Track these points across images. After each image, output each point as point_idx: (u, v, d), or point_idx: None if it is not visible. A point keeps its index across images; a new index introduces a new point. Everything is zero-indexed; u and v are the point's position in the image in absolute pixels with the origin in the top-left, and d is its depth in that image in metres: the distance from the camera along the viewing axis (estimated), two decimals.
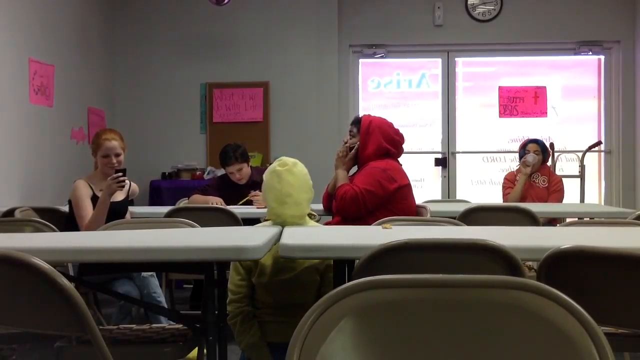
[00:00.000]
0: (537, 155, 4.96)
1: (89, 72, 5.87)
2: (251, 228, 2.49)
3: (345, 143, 3.70)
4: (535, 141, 5.07)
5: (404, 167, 3.65)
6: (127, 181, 3.57)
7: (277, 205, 2.38)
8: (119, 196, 3.65)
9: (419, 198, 3.82)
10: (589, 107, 6.72)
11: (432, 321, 1.03)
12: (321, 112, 6.38)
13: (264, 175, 2.46)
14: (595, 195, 6.60)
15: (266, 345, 2.34)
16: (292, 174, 2.38)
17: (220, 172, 6.10)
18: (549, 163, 5.32)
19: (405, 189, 3.52)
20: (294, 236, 2.01)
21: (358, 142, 3.60)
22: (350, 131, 3.71)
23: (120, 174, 3.41)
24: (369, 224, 2.79)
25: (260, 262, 2.32)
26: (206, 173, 6.22)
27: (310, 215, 2.57)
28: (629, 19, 6.51)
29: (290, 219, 2.40)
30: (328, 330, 1.00)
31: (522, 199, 4.86)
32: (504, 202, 4.96)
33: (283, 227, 2.37)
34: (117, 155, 3.61)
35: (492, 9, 6.53)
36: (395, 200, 3.45)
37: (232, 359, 2.47)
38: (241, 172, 4.39)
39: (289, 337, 2.22)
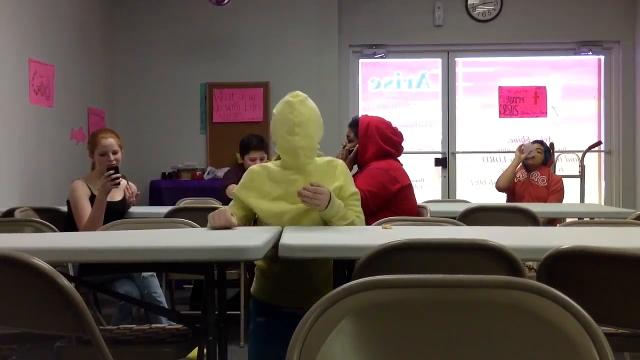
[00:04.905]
0: (540, 154, 4.99)
1: (89, 72, 5.87)
2: (251, 228, 2.49)
3: (344, 147, 3.69)
4: (540, 142, 5.12)
5: (405, 167, 3.64)
6: (122, 180, 3.57)
7: (288, 136, 2.32)
8: (117, 196, 3.65)
9: (419, 198, 3.81)
10: (589, 107, 6.72)
11: (432, 321, 1.03)
12: (321, 112, 6.32)
13: (274, 110, 2.41)
14: (595, 195, 6.59)
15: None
16: (304, 105, 2.36)
17: (220, 172, 6.11)
18: None
19: (407, 189, 3.51)
20: (294, 236, 2.01)
21: (357, 146, 3.58)
22: (347, 135, 3.69)
23: (112, 171, 3.40)
24: (369, 224, 2.79)
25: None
26: (206, 173, 6.22)
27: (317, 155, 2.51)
28: (629, 19, 6.51)
29: (301, 150, 2.34)
30: (328, 330, 1.00)
31: (520, 198, 4.88)
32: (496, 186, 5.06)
33: (293, 166, 2.36)
34: (115, 152, 3.61)
35: (492, 9, 6.53)
36: (397, 201, 3.44)
37: (232, 358, 2.47)
38: (263, 162, 4.44)
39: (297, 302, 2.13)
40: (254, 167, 2.47)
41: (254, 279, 2.46)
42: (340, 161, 2.51)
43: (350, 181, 2.50)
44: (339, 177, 2.43)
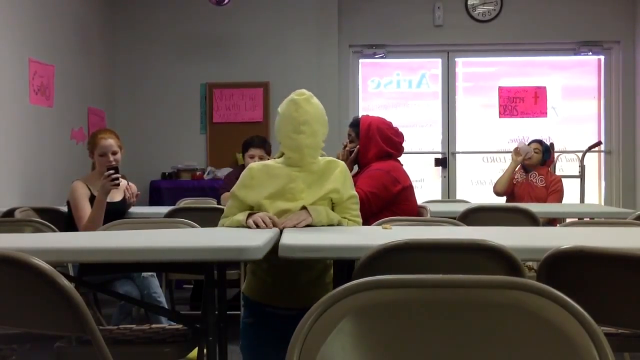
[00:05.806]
0: (537, 154, 4.99)
1: (89, 72, 5.87)
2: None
3: (345, 147, 3.68)
4: (539, 141, 5.10)
5: (405, 167, 3.64)
6: (122, 180, 3.57)
7: (294, 134, 2.29)
8: (117, 196, 3.65)
9: (419, 198, 3.81)
10: (589, 107, 6.72)
11: (432, 321, 1.03)
12: None
13: (278, 108, 2.38)
14: (595, 195, 6.60)
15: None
16: (309, 104, 2.33)
17: (220, 172, 6.11)
18: None
19: (407, 190, 3.51)
20: (294, 236, 2.01)
21: (358, 146, 3.57)
22: (349, 135, 3.69)
23: (112, 171, 3.40)
24: (370, 225, 2.78)
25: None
26: (206, 173, 6.22)
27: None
28: (629, 19, 6.51)
29: (307, 149, 2.31)
30: (328, 331, 1.00)
31: (520, 199, 4.87)
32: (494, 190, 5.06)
33: (298, 164, 2.32)
34: (114, 153, 3.61)
35: (492, 9, 6.53)
36: (398, 201, 3.44)
37: (232, 358, 2.47)
38: (262, 160, 4.44)
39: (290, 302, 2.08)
40: (254, 165, 2.41)
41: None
42: (342, 163, 2.46)
43: (350, 184, 2.44)
44: (336, 179, 2.38)
